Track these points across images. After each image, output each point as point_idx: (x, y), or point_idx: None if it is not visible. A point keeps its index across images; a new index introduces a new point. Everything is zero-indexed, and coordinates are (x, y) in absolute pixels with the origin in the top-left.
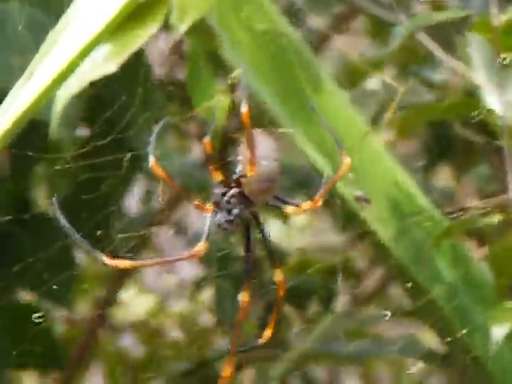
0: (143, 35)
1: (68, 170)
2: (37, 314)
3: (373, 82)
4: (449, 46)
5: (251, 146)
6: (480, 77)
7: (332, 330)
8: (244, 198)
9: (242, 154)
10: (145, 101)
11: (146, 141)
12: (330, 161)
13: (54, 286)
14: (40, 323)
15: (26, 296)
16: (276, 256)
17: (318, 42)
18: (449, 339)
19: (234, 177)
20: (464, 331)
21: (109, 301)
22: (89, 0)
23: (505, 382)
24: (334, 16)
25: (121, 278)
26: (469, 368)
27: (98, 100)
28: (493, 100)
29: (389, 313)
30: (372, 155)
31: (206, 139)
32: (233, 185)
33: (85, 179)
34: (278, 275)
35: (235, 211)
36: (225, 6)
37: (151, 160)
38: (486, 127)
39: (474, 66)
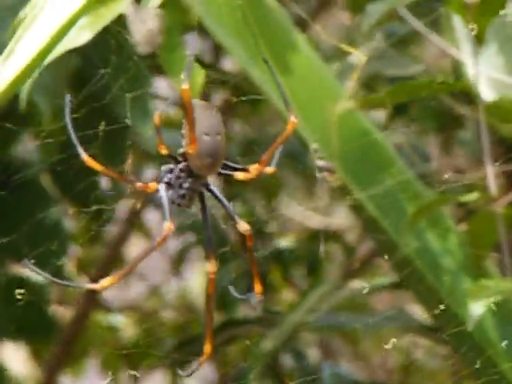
0: (118, 8)
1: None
2: (19, 291)
3: (356, 56)
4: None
5: (191, 125)
6: (463, 54)
7: (320, 304)
8: (192, 172)
9: (184, 128)
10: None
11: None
12: (307, 124)
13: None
14: (20, 300)
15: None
16: (235, 216)
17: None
18: (435, 311)
19: (179, 151)
20: (446, 303)
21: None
22: None
23: (493, 353)
24: None
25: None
26: (455, 339)
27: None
28: (474, 78)
29: (367, 285)
30: (349, 122)
31: (157, 113)
32: (180, 159)
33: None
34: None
35: (185, 185)
36: None
37: (84, 157)
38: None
39: (458, 44)
